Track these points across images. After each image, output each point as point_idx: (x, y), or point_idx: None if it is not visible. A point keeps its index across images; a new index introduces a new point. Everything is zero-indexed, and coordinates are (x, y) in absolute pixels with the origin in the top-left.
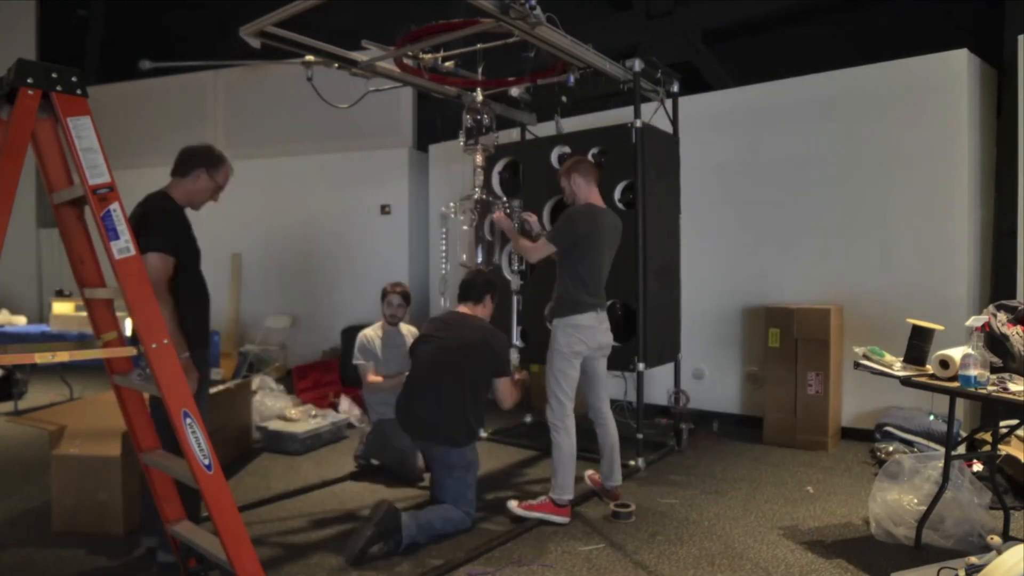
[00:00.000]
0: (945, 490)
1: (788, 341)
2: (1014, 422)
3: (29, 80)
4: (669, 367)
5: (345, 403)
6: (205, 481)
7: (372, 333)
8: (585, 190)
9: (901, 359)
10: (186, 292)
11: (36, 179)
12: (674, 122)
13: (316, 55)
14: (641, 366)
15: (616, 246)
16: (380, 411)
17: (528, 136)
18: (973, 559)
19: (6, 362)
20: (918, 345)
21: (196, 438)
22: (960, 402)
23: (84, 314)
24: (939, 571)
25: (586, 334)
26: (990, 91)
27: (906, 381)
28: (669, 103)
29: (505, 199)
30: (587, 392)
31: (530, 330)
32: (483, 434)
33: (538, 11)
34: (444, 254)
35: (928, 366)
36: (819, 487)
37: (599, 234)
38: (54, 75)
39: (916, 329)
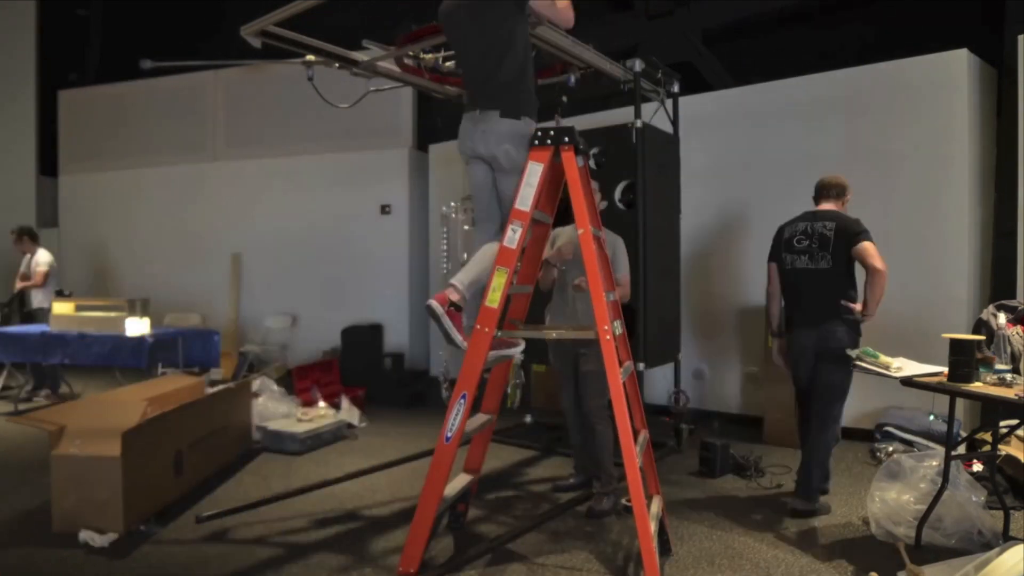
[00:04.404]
0: (945, 490)
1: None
2: (1014, 422)
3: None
4: (669, 367)
5: (345, 403)
6: (440, 447)
7: None
8: None
9: (897, 360)
10: None
11: (36, 179)
12: (674, 122)
13: (317, 55)
14: (641, 366)
15: None
16: None
17: None
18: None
19: (522, 336)
20: (962, 361)
21: (456, 415)
22: (960, 402)
23: (84, 314)
24: None
25: None
26: (990, 91)
27: (906, 381)
28: (669, 103)
29: None
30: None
31: None
32: None
33: None
34: (444, 254)
35: (979, 384)
36: None
37: None
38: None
39: (956, 344)
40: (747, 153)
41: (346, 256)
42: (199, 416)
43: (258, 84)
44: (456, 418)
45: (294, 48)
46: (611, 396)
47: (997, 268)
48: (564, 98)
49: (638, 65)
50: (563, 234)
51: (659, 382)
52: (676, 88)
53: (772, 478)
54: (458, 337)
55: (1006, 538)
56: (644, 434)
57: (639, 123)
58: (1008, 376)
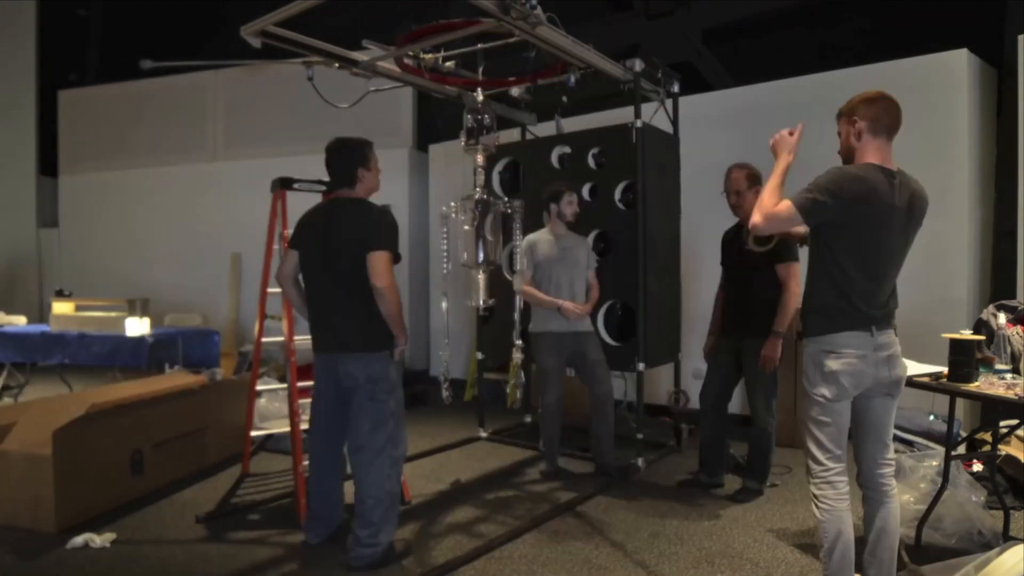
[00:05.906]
0: (945, 490)
1: (788, 341)
2: (1014, 422)
3: None
4: (669, 367)
5: None
6: None
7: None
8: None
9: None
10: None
11: (36, 179)
12: (674, 122)
13: (317, 55)
14: (641, 366)
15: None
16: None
17: (528, 136)
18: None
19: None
20: (962, 361)
21: None
22: (960, 402)
23: (84, 314)
24: None
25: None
26: (990, 91)
27: (906, 381)
28: (669, 103)
29: (506, 199)
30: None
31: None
32: (483, 434)
33: (539, 11)
34: (444, 254)
35: (978, 383)
36: None
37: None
38: None
39: (956, 344)
40: (747, 153)
41: None
42: (164, 415)
43: (258, 84)
44: None
45: (294, 48)
46: None
47: (997, 268)
48: (564, 98)
49: (638, 65)
50: (542, 241)
51: (659, 382)
52: (676, 88)
53: (772, 478)
54: None
55: (1006, 538)
56: None
57: (639, 123)
58: (1008, 376)
